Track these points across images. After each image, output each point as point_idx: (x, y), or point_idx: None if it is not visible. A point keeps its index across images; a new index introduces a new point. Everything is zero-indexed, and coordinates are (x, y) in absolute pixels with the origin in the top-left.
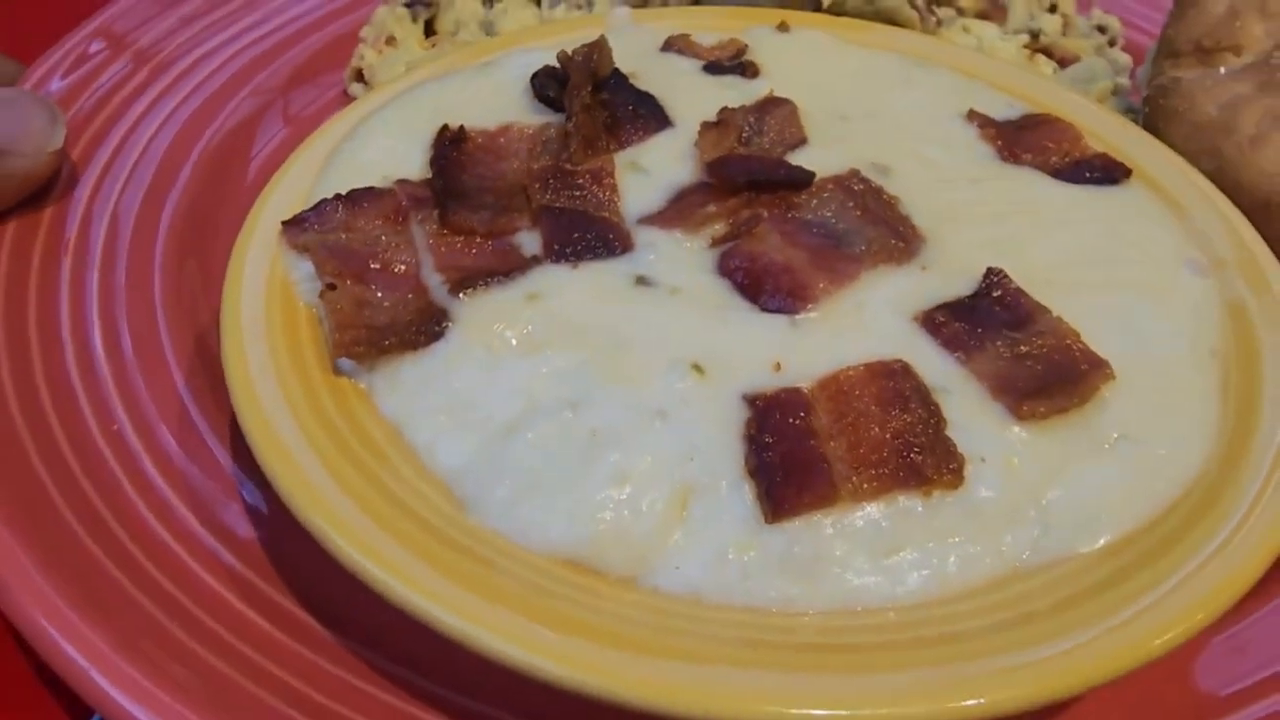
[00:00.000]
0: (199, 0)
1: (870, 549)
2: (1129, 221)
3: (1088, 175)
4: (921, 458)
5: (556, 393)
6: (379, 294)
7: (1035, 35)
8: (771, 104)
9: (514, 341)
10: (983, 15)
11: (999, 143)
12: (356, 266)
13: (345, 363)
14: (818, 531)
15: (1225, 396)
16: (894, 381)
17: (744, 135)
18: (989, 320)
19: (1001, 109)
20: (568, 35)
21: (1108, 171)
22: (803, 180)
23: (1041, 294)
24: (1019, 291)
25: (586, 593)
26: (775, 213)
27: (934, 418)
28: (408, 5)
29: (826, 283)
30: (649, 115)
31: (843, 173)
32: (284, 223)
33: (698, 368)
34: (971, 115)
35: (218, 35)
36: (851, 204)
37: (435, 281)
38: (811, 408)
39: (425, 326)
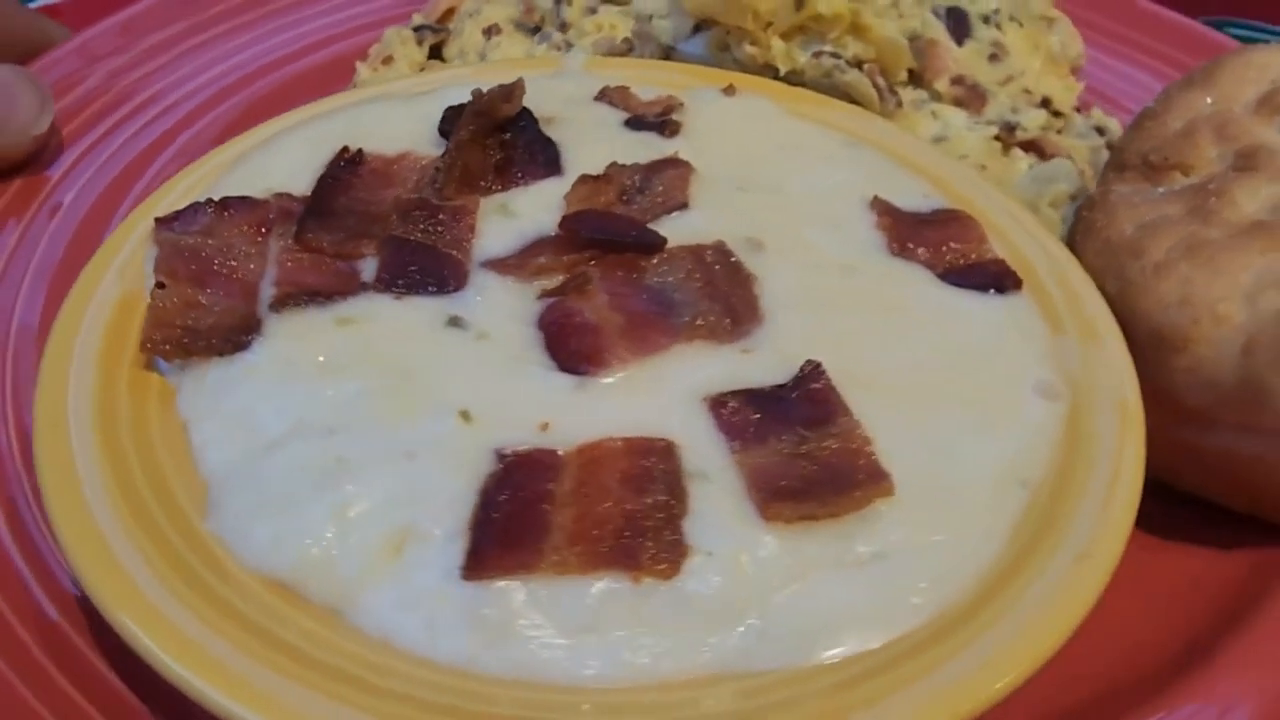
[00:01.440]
0: (134, 52)
1: (562, 624)
2: (995, 334)
3: (975, 281)
4: (641, 541)
5: (323, 418)
6: (213, 298)
7: (1013, 128)
8: (666, 164)
9: (319, 360)
10: (959, 102)
11: (893, 234)
12: (198, 269)
13: (163, 362)
14: (509, 596)
15: (1016, 533)
16: (649, 460)
17: (626, 193)
18: (788, 414)
19: (916, 200)
20: (516, 73)
21: (997, 279)
22: (652, 244)
23: (859, 396)
24: (830, 389)
25: (281, 622)
26: (617, 273)
27: (675, 503)
28: (415, 29)
29: (626, 350)
30: (541, 161)
31: (706, 243)
32: (156, 219)
33: (465, 415)
34: (875, 203)
35: (153, 85)
36: (698, 275)
37: (267, 295)
38: (559, 473)
39: (236, 336)
